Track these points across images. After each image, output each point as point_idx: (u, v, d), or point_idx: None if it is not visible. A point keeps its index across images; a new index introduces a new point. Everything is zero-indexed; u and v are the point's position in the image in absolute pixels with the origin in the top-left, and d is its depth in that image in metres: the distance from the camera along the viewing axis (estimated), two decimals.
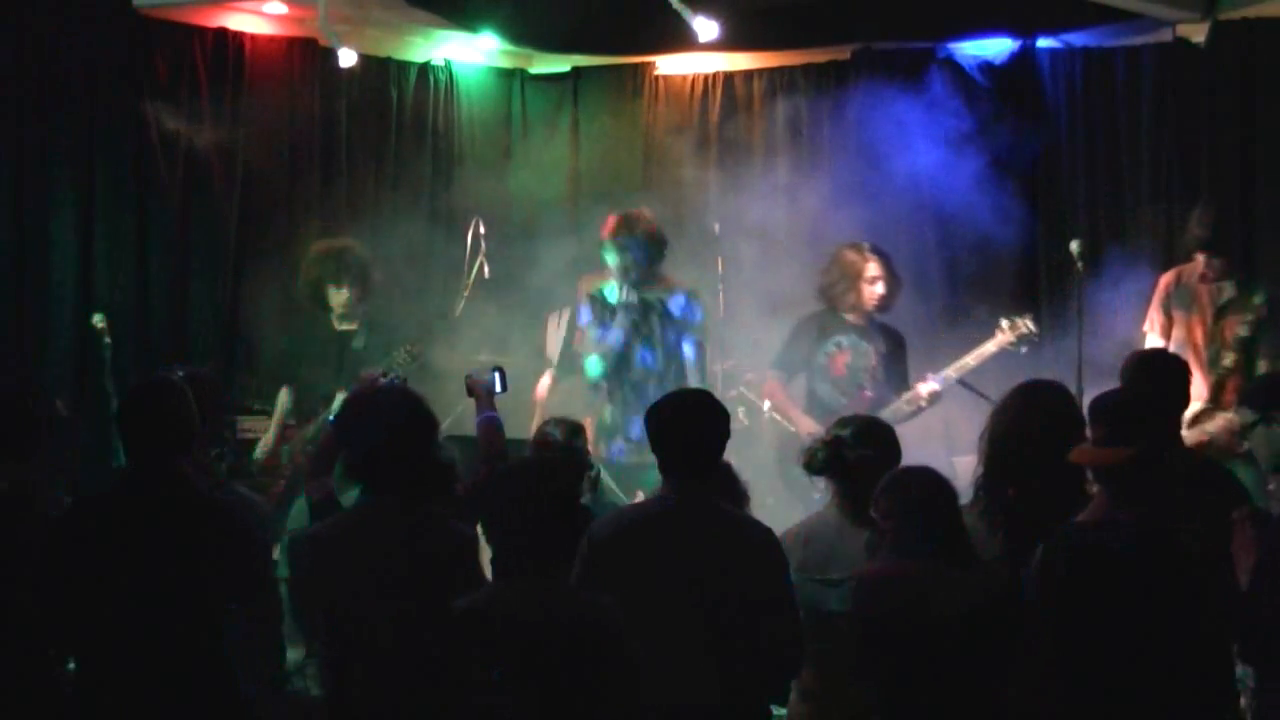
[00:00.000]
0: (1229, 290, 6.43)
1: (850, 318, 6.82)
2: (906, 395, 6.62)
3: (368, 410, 4.25)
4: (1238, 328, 6.31)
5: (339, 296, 6.99)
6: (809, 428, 6.54)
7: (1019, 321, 6.59)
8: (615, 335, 6.82)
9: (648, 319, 6.87)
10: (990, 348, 6.60)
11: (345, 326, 7.05)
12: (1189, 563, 3.83)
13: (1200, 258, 6.48)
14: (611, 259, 6.81)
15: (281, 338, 7.34)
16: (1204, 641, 3.85)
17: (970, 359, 6.61)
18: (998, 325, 6.64)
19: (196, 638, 3.95)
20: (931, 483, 4.08)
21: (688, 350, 6.91)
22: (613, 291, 6.88)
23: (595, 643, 3.65)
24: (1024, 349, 6.56)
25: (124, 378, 6.95)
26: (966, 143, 7.80)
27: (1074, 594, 3.83)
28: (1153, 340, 6.56)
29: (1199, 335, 6.43)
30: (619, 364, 6.83)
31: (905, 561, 4.00)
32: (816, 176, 8.00)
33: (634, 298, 6.82)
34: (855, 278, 6.75)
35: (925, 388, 6.61)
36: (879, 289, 6.74)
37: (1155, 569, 3.81)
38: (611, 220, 6.87)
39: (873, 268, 6.75)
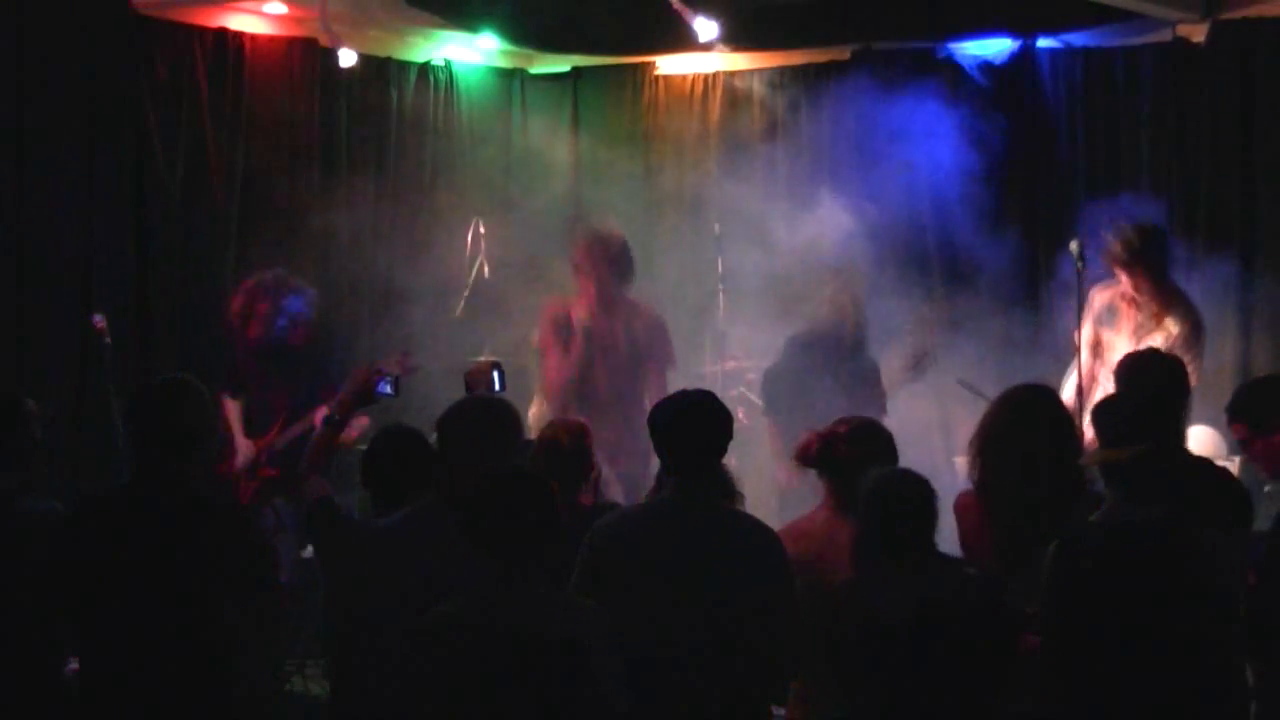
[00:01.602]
0: (1149, 311, 6.37)
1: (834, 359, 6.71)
2: None
3: (481, 422, 4.28)
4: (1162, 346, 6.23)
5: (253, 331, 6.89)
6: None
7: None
8: (574, 359, 6.68)
9: (614, 342, 6.74)
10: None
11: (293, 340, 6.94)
12: (1199, 562, 3.82)
13: (1123, 276, 6.39)
14: (583, 281, 6.72)
15: (228, 347, 7.12)
16: (1215, 641, 3.84)
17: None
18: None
19: (198, 638, 3.95)
20: (900, 485, 4.01)
21: (652, 373, 6.76)
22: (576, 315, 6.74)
23: (569, 652, 3.64)
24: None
25: (124, 378, 6.94)
26: (966, 142, 7.80)
27: (1085, 593, 3.82)
28: (1083, 355, 6.52)
29: (1115, 353, 6.31)
30: (580, 387, 6.69)
31: (853, 578, 3.98)
32: (817, 176, 8.00)
33: (600, 322, 6.71)
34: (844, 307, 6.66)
35: None
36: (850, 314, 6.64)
37: (1166, 569, 3.80)
38: (583, 242, 6.76)
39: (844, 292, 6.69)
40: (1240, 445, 4.75)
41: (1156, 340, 6.24)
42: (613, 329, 6.72)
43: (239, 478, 6.75)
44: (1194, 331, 6.33)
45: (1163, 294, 6.38)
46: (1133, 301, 6.43)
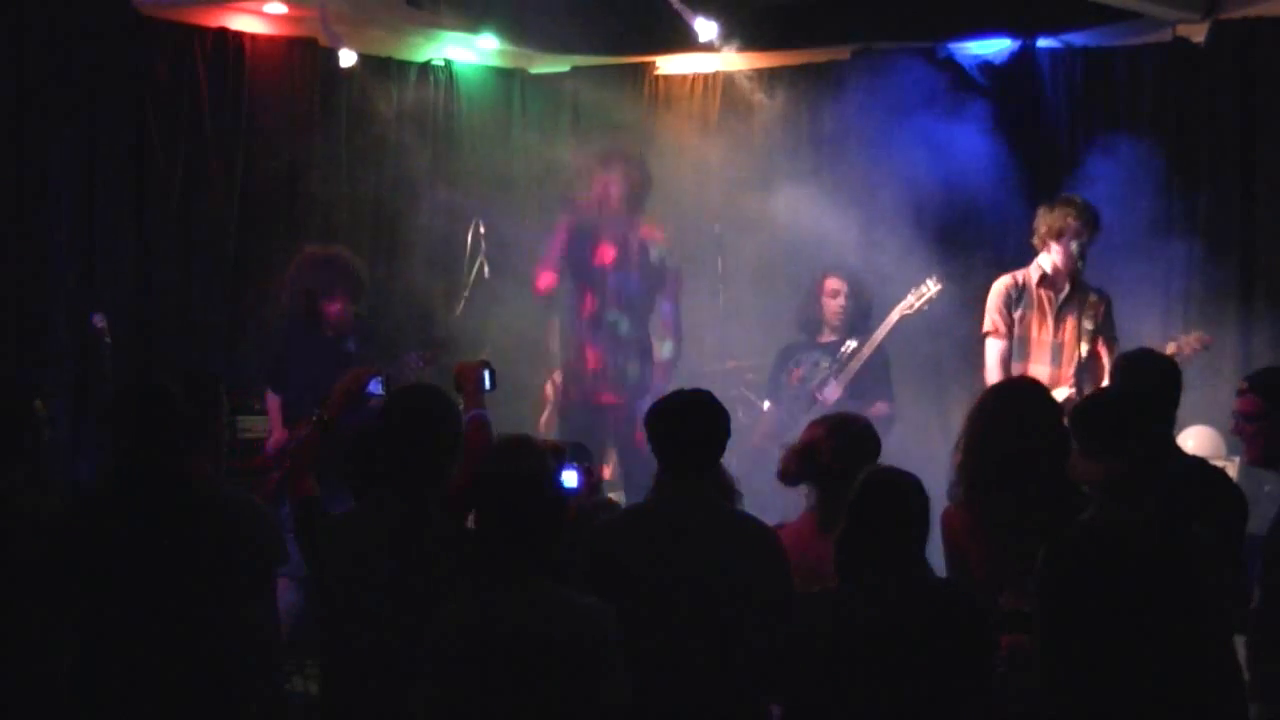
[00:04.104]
0: (1065, 289, 6.55)
1: (823, 339, 7.14)
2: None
3: (418, 410, 4.27)
4: (1084, 321, 6.50)
5: (334, 309, 6.87)
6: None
7: (923, 286, 6.94)
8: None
9: (624, 263, 7.10)
10: (894, 317, 6.97)
11: (333, 332, 6.93)
12: (1193, 562, 3.81)
13: (1056, 247, 6.50)
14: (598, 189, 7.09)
15: (273, 341, 7.17)
16: (1210, 641, 3.83)
17: (879, 332, 6.98)
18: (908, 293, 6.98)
19: (195, 637, 3.95)
20: (884, 489, 3.90)
21: (664, 307, 7.16)
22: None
23: (572, 651, 3.63)
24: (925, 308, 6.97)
25: (124, 378, 6.94)
26: (966, 143, 7.79)
27: (1078, 596, 3.79)
28: (993, 343, 6.64)
29: (1038, 332, 6.57)
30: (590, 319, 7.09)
31: (826, 588, 3.91)
32: (817, 176, 8.00)
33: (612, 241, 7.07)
34: (818, 296, 7.12)
35: (823, 395, 6.95)
36: (840, 301, 7.07)
37: (1160, 568, 3.78)
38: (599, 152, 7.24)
39: (833, 283, 7.10)
40: (1243, 417, 4.68)
41: (1088, 311, 6.49)
42: (625, 249, 7.08)
43: (268, 469, 6.76)
44: (1110, 305, 6.63)
45: (1079, 270, 6.60)
46: (1044, 281, 6.57)
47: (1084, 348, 6.49)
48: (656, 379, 7.09)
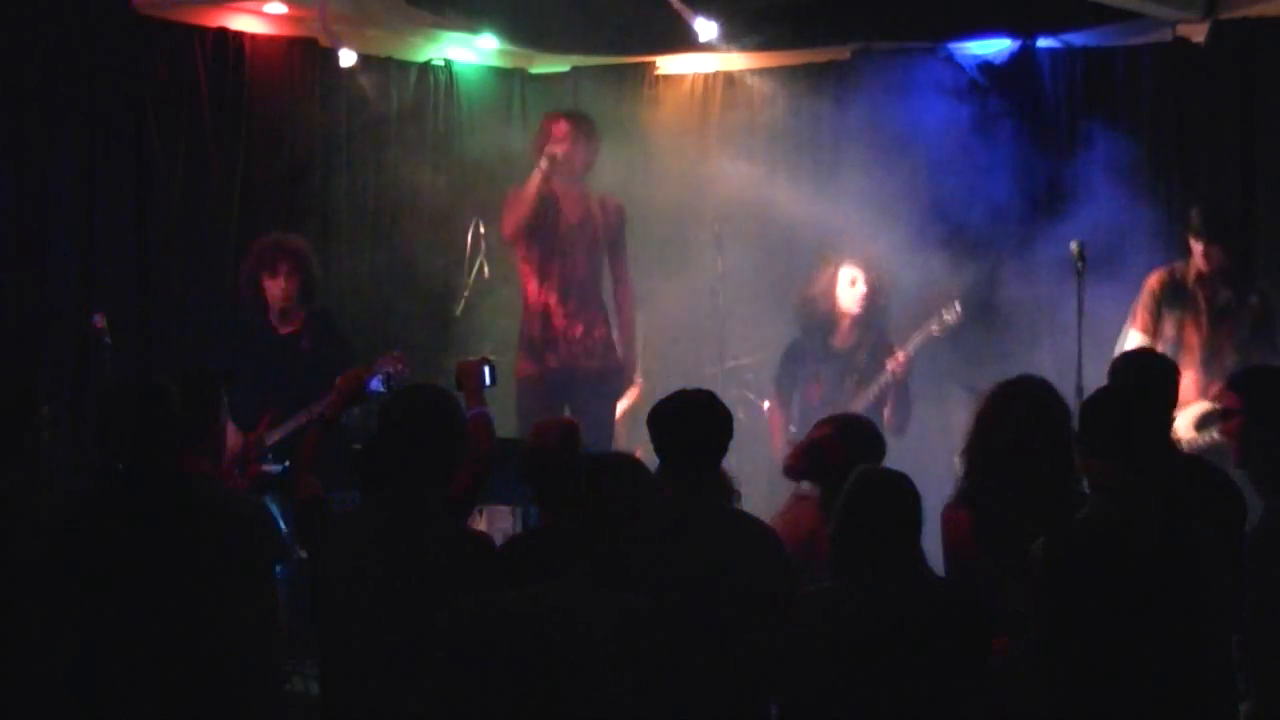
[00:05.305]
0: (1225, 293, 6.39)
1: (835, 342, 6.89)
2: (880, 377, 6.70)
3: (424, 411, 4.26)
4: (1238, 329, 6.29)
5: (276, 287, 6.82)
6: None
7: (947, 312, 6.72)
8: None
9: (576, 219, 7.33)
10: (916, 339, 6.75)
11: (287, 329, 6.90)
12: (1194, 563, 3.81)
13: (1198, 248, 6.40)
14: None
15: (221, 345, 7.06)
16: (1207, 640, 3.83)
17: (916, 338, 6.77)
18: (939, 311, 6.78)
19: (194, 637, 3.95)
20: (877, 487, 3.90)
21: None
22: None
23: (583, 645, 3.62)
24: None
25: (124, 378, 6.93)
26: (966, 142, 7.80)
27: (1078, 595, 3.79)
28: (1134, 337, 6.51)
29: (1194, 336, 6.38)
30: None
31: (822, 586, 3.91)
32: (817, 176, 8.00)
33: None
34: (831, 288, 6.85)
35: (892, 362, 6.67)
36: (860, 290, 6.82)
37: (1160, 570, 3.78)
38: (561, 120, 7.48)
39: (851, 270, 6.85)
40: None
41: (1245, 316, 6.25)
42: (576, 206, 7.33)
43: (228, 471, 6.68)
44: (1271, 313, 6.36)
45: (1238, 269, 6.38)
46: (1201, 279, 6.39)
47: (1235, 359, 6.15)
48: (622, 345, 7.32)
